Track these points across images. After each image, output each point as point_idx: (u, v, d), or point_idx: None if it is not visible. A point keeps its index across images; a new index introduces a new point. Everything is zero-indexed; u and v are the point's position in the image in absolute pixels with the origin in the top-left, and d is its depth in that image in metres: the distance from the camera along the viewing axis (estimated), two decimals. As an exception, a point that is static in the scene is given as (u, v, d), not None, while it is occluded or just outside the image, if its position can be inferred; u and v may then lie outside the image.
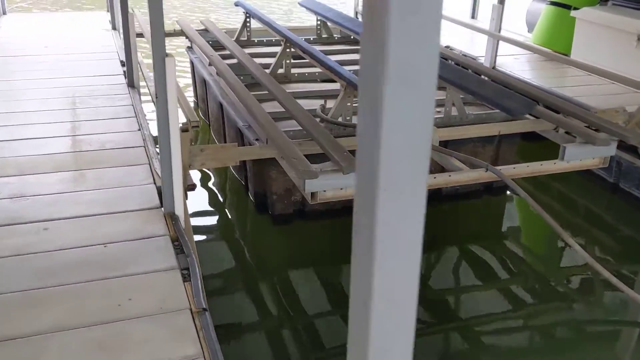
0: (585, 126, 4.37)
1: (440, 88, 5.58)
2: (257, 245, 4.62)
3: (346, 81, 4.42)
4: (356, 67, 6.12)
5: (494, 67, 6.47)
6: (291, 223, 4.71)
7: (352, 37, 7.02)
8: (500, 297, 4.17)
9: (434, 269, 4.54)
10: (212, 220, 4.98)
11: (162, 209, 3.36)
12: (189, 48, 6.61)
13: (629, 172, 5.16)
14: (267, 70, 5.50)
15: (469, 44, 7.57)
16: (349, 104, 4.47)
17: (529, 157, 5.82)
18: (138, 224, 3.22)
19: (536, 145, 5.28)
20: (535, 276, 4.44)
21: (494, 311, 3.97)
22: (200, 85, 6.15)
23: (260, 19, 6.38)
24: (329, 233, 4.70)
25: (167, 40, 7.79)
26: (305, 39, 6.03)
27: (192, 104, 5.56)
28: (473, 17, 8.82)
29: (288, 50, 5.64)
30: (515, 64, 6.83)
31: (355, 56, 6.62)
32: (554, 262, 4.70)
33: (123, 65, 5.83)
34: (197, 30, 6.64)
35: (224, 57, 5.81)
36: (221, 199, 5.28)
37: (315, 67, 5.82)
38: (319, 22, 7.16)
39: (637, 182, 5.15)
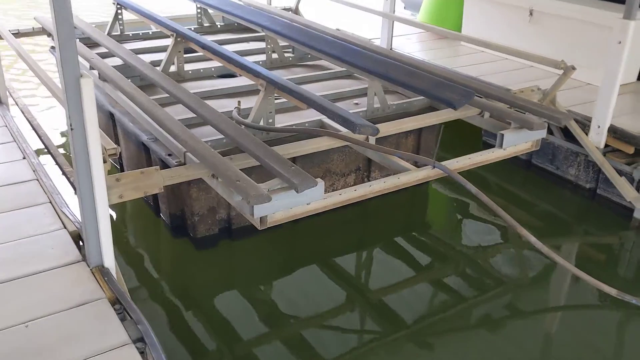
0: (508, 108, 4.29)
1: (350, 76, 5.26)
2: (181, 275, 4.00)
3: (266, 80, 3.92)
4: (256, 57, 5.63)
5: (390, 49, 6.27)
6: (216, 245, 4.16)
7: (235, 24, 6.47)
8: (439, 289, 4.02)
9: (369, 269, 4.27)
10: (119, 252, 4.25)
11: (85, 262, 2.71)
12: (53, 48, 5.67)
13: (541, 148, 5.19)
14: (159, 68, 4.83)
15: (349, 25, 7.33)
16: (269, 104, 3.98)
17: (448, 143, 5.74)
18: (61, 287, 2.55)
19: (451, 130, 5.16)
20: (467, 260, 4.36)
21: (438, 306, 3.82)
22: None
23: (138, 11, 5.61)
24: (260, 250, 4.23)
25: (30, 41, 6.71)
26: (187, 29, 5.35)
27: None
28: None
29: (179, 44, 4.99)
30: (410, 45, 6.69)
31: (247, 45, 6.08)
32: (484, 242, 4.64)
33: (-21, 75, 4.82)
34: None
35: (102, 56, 5.03)
36: (126, 225, 4.55)
37: (209, 61, 5.25)
38: (199, 10, 6.50)
39: (549, 157, 5.22)
